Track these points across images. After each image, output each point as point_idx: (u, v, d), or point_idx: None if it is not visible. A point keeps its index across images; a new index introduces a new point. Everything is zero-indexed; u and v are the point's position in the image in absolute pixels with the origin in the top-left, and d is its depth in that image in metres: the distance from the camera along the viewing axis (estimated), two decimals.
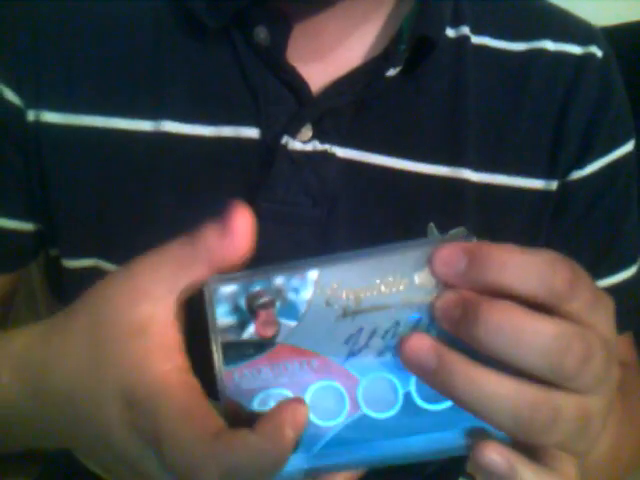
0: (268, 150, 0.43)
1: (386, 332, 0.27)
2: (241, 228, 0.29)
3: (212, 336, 0.28)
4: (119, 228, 0.45)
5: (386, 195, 0.45)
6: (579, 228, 0.49)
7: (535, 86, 0.47)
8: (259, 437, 0.26)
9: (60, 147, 0.44)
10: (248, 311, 0.28)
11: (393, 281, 0.27)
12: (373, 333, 0.27)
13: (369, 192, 0.45)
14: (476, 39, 0.47)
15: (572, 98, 0.48)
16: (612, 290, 0.51)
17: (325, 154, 0.44)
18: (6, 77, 0.44)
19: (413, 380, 0.28)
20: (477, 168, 0.46)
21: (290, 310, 0.27)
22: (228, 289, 0.28)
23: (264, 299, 0.28)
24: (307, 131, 0.43)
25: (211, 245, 0.28)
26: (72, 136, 0.44)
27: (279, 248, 0.44)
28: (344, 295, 0.27)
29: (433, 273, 0.27)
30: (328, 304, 0.27)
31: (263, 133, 0.44)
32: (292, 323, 0.28)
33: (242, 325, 0.28)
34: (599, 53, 0.49)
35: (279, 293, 0.27)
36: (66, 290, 0.49)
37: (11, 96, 0.44)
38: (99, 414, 0.29)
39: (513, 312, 0.25)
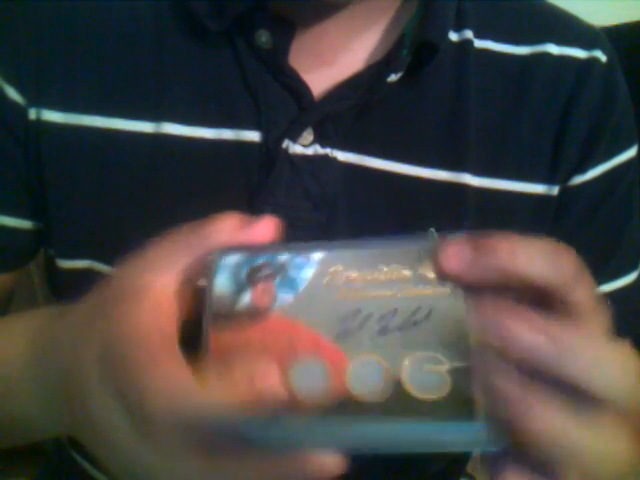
0: (269, 153, 0.43)
1: (382, 317, 0.27)
2: (262, 232, 0.29)
3: (207, 300, 0.28)
4: (116, 230, 0.44)
5: (386, 199, 0.45)
6: (579, 233, 0.49)
7: (538, 90, 0.47)
8: (222, 384, 0.25)
9: (59, 146, 0.44)
10: (247, 282, 0.28)
11: (396, 270, 0.27)
12: (369, 316, 0.27)
13: (369, 196, 0.45)
14: (479, 43, 0.47)
15: (575, 103, 0.47)
16: (611, 296, 0.51)
17: (326, 158, 0.44)
18: (8, 75, 0.43)
19: (405, 365, 0.27)
20: (478, 173, 0.46)
21: (289, 285, 0.28)
22: (232, 259, 0.28)
23: (265, 272, 0.28)
24: (308, 135, 0.43)
25: (222, 232, 0.29)
26: (72, 135, 0.44)
27: None
28: (346, 278, 0.28)
29: (440, 266, 0.27)
30: (328, 284, 0.28)
31: (264, 136, 0.44)
32: (289, 297, 0.28)
33: (239, 294, 0.28)
34: (603, 58, 0.49)
35: (281, 268, 0.28)
36: (61, 290, 0.49)
37: (13, 94, 0.44)
38: (81, 380, 0.30)
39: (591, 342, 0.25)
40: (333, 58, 0.45)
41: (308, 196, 0.44)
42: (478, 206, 0.46)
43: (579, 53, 0.48)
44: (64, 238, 0.46)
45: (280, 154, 0.43)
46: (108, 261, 0.45)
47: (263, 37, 0.42)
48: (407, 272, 0.27)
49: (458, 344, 0.26)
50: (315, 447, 0.26)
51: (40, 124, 0.44)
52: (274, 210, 0.43)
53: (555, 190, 0.48)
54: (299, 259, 0.28)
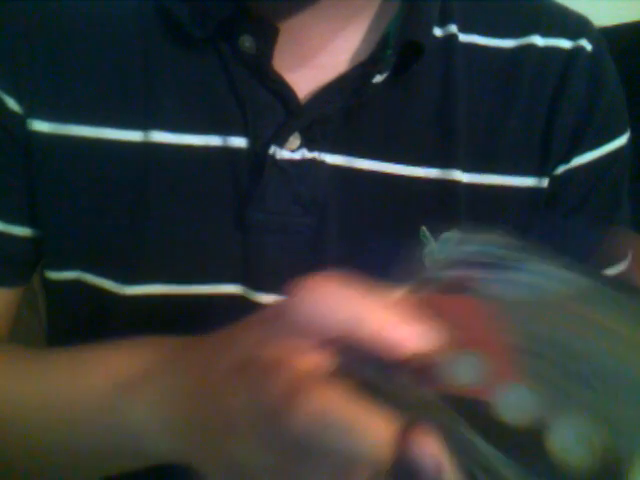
0: (257, 160, 0.43)
1: (574, 358, 0.23)
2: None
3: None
4: (106, 240, 0.44)
5: (377, 200, 0.45)
6: (569, 222, 0.49)
7: (525, 83, 0.47)
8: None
9: (47, 156, 0.44)
10: (465, 262, 0.25)
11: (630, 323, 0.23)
12: (564, 350, 0.23)
13: (360, 198, 0.45)
14: (464, 37, 0.47)
15: (561, 93, 0.47)
16: None
17: (314, 162, 0.44)
18: (7, 86, 0.43)
19: (560, 420, 0.21)
20: (468, 169, 0.46)
21: (509, 285, 0.24)
22: (459, 239, 0.26)
23: (487, 260, 0.24)
24: (295, 140, 0.43)
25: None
26: (60, 146, 0.43)
27: (270, 257, 0.44)
28: (573, 307, 0.24)
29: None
30: (548, 302, 0.24)
31: (251, 143, 0.43)
32: (499, 291, 0.24)
33: (449, 266, 0.25)
34: (588, 47, 0.48)
35: (506, 266, 0.24)
36: (52, 301, 0.49)
37: (13, 104, 0.43)
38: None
39: None
40: (317, 59, 0.44)
41: (298, 201, 0.44)
42: (469, 202, 0.46)
43: (565, 43, 0.48)
44: (53, 249, 0.46)
45: (268, 160, 0.43)
46: (98, 272, 0.45)
47: (247, 42, 0.42)
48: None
49: None
50: None
51: (31, 134, 0.44)
52: (264, 217, 0.44)
53: (545, 182, 0.47)
54: (535, 266, 0.24)
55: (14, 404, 0.41)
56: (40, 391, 0.40)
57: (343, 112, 0.44)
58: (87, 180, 0.44)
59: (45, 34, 0.43)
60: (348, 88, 0.43)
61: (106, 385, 0.37)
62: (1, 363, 0.44)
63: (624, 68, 0.51)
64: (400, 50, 0.43)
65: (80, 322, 0.47)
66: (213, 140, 0.44)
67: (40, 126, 0.43)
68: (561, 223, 0.49)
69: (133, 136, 0.44)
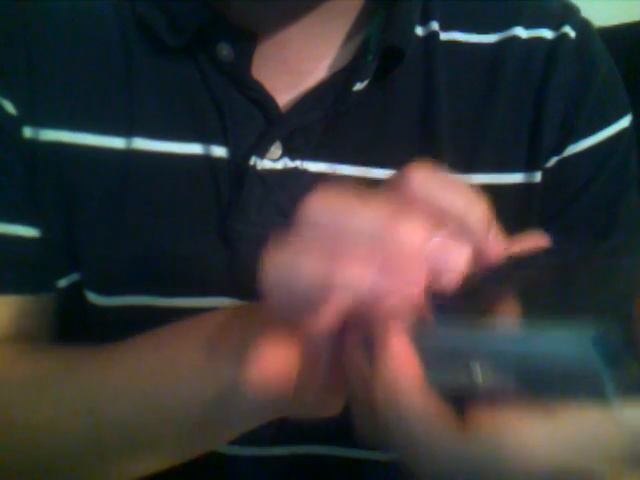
0: (238, 170, 0.42)
1: None
2: None
3: None
4: (84, 248, 0.43)
5: None
6: (572, 212, 0.47)
7: (509, 77, 0.45)
8: None
9: (27, 161, 0.42)
10: None
11: None
12: None
13: None
14: (445, 35, 0.45)
15: (547, 84, 0.45)
16: None
17: (296, 171, 0.43)
18: (4, 90, 0.42)
19: None
20: (454, 170, 0.44)
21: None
22: None
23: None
24: (276, 149, 0.42)
25: None
26: (38, 151, 0.42)
27: (256, 269, 0.42)
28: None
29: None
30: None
31: (232, 153, 0.42)
32: None
33: None
34: (572, 33, 0.46)
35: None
36: None
37: (10, 108, 0.42)
38: None
39: None
40: (297, 66, 0.43)
41: (281, 212, 0.42)
42: None
43: (547, 33, 0.46)
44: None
45: (249, 171, 0.42)
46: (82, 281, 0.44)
47: (224, 50, 0.41)
48: None
49: None
50: None
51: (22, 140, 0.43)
52: (247, 228, 0.42)
53: (537, 177, 0.45)
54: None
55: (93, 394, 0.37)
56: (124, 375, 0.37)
57: (324, 119, 0.43)
58: (64, 187, 0.43)
59: (25, 39, 0.43)
60: (329, 96, 0.42)
61: (192, 352, 0.34)
62: (68, 358, 0.39)
63: (624, 68, 0.49)
64: (381, 55, 0.42)
65: (56, 334, 0.45)
66: (195, 148, 0.43)
67: (24, 131, 0.42)
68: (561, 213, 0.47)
69: (115, 143, 0.43)
